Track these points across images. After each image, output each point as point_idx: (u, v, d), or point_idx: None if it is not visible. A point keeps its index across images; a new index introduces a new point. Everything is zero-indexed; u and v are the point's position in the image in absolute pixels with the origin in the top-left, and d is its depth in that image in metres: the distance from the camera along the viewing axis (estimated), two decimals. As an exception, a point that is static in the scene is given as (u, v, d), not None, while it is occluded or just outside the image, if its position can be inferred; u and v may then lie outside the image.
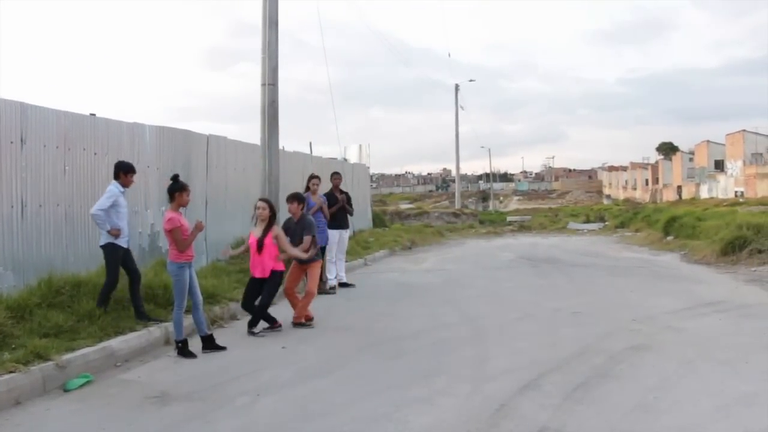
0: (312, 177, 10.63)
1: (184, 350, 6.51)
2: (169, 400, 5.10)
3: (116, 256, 7.08)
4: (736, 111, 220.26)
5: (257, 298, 7.53)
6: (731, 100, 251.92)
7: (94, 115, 9.17)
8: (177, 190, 6.56)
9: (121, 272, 7.22)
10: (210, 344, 6.71)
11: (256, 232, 7.53)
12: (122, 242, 7.14)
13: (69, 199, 8.43)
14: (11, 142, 7.57)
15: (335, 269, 11.04)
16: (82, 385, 5.42)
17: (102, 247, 7.14)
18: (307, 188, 10.54)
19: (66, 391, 5.32)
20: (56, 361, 5.44)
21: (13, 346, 5.55)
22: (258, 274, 7.48)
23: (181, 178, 10.80)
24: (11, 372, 5.07)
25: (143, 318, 7.06)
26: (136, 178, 9.70)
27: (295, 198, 8.28)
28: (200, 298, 6.76)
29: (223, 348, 6.71)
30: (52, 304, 6.56)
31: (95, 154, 8.95)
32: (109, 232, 6.98)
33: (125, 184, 7.25)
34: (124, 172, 7.24)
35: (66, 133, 8.41)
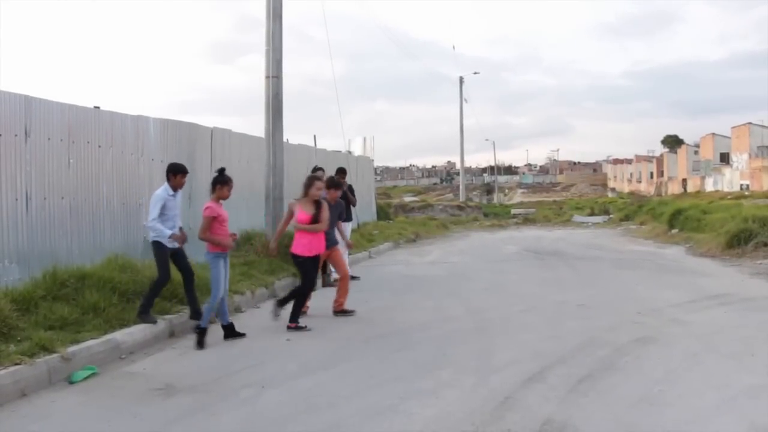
0: (316, 169, 10.60)
1: (201, 338, 6.60)
2: (173, 392, 5.11)
3: (163, 254, 6.96)
4: (742, 104, 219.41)
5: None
6: (737, 93, 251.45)
7: (98, 108, 9.16)
8: (218, 182, 6.83)
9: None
10: (231, 332, 6.91)
11: (307, 209, 7.46)
12: (167, 242, 7.06)
13: (74, 192, 8.43)
14: (15, 135, 7.57)
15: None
16: (87, 378, 5.43)
17: (151, 243, 7.08)
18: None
19: (71, 383, 5.33)
20: (61, 354, 5.45)
21: (19, 338, 5.56)
22: (306, 252, 7.41)
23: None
24: (17, 364, 5.08)
25: (196, 317, 6.94)
26: (140, 171, 9.81)
27: (338, 185, 8.69)
28: (227, 288, 6.95)
29: (242, 335, 6.91)
30: (57, 297, 6.56)
31: (99, 146, 8.95)
32: (170, 237, 6.89)
33: (176, 186, 7.12)
34: (173, 173, 7.09)
35: (70, 126, 8.41)
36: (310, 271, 7.55)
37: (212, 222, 6.69)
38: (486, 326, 7.33)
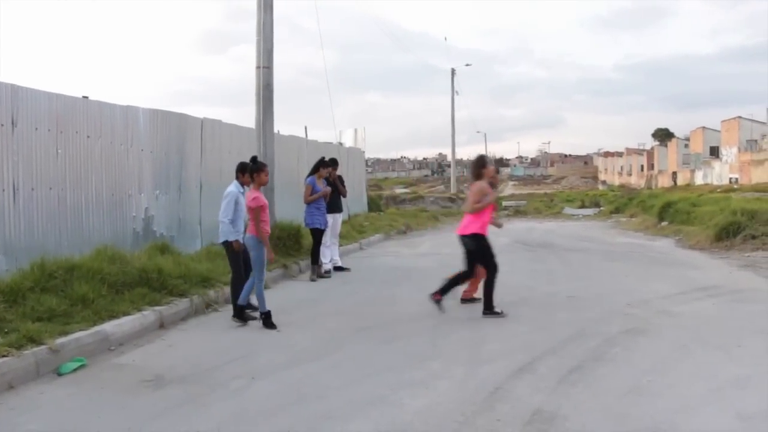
0: (326, 165, 10.74)
1: (267, 322, 6.93)
2: (163, 384, 5.09)
3: (235, 252, 7.40)
4: (732, 98, 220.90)
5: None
6: (727, 87, 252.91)
7: (86, 97, 9.09)
8: (254, 170, 7.12)
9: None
10: (240, 314, 7.13)
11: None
12: (238, 238, 7.40)
13: (62, 183, 8.37)
14: (2, 125, 7.49)
15: (329, 253, 11.03)
16: (75, 369, 5.40)
17: (222, 243, 7.59)
18: (315, 171, 10.63)
19: (59, 375, 5.29)
20: (49, 345, 5.41)
21: (6, 330, 5.51)
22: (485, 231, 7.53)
23: (175, 162, 10.83)
24: (4, 356, 5.04)
25: (238, 316, 7.22)
26: (130, 161, 9.76)
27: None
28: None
29: (245, 323, 7.07)
30: (45, 288, 6.51)
31: (88, 137, 8.88)
32: (233, 242, 7.35)
33: (245, 183, 7.51)
34: (242, 172, 7.58)
35: (58, 115, 8.33)
36: (490, 251, 7.55)
37: (260, 211, 6.98)
38: (476, 317, 7.34)
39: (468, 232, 7.47)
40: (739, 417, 4.22)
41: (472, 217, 7.47)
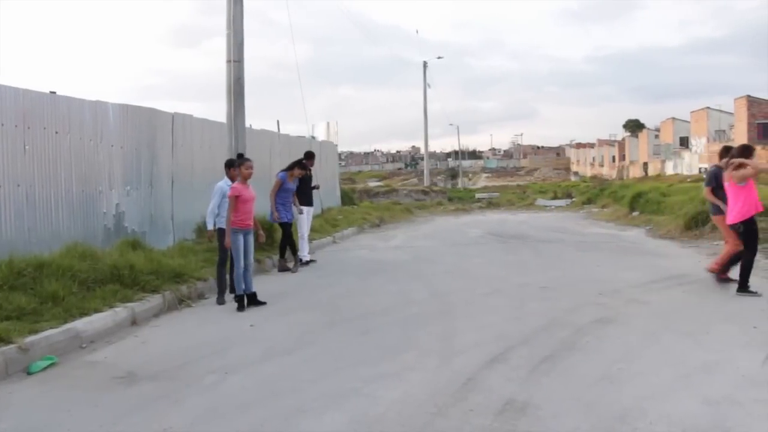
0: (303, 167, 10.98)
1: (240, 304, 7.57)
2: (136, 380, 5.05)
3: (222, 239, 7.99)
4: (701, 88, 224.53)
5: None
6: (696, 78, 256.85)
7: (54, 93, 8.94)
8: (238, 165, 7.85)
9: None
10: (254, 300, 7.71)
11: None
12: (221, 225, 8.07)
13: (30, 180, 8.23)
14: (-33, 121, 7.35)
15: (306, 246, 11.09)
16: (46, 368, 5.33)
17: (216, 230, 8.23)
18: (290, 168, 10.77)
19: (29, 373, 5.22)
20: (18, 344, 5.33)
21: (-26, 329, 5.42)
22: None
23: (146, 157, 10.75)
24: (-28, 355, 4.97)
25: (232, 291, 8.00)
26: (100, 157, 9.63)
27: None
28: (251, 261, 7.88)
29: (263, 303, 7.70)
30: (13, 287, 6.42)
31: (56, 132, 8.74)
32: (207, 232, 8.30)
33: (232, 178, 8.07)
34: (227, 167, 8.30)
35: (25, 111, 8.19)
36: (756, 234, 7.84)
37: (235, 201, 7.53)
38: (449, 309, 7.38)
39: (738, 220, 7.76)
40: (706, 402, 4.31)
41: (733, 203, 7.78)
